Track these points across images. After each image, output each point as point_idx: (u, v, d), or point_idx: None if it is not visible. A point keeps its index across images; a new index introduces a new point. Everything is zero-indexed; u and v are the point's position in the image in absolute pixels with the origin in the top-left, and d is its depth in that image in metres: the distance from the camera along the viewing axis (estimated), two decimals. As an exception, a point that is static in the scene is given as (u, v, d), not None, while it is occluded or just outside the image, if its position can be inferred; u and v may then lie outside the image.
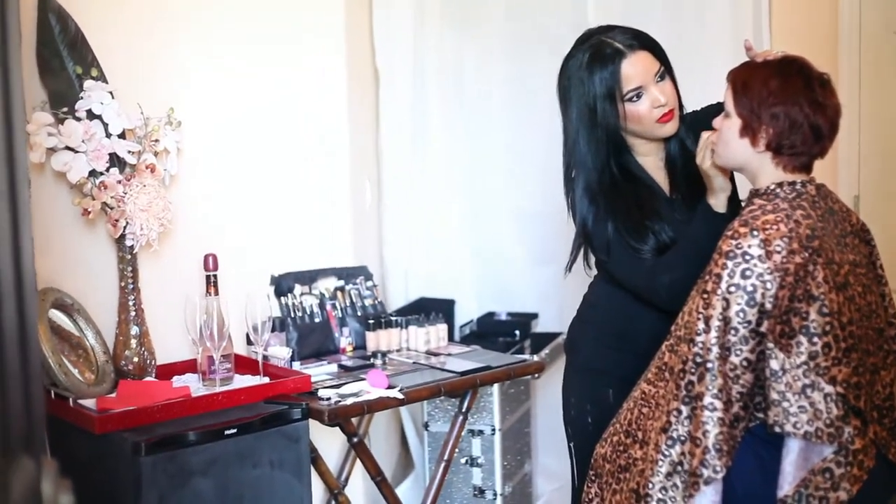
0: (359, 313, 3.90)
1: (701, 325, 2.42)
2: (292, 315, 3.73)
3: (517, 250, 4.80)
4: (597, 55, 2.82)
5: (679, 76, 2.91)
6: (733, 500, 2.45)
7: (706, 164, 2.72)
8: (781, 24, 4.19)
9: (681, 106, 2.92)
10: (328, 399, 3.24)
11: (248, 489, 3.02)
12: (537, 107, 4.58)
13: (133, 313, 3.21)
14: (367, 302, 3.95)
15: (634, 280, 2.86)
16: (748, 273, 2.38)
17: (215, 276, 3.27)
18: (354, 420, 3.49)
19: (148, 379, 3.23)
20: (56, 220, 3.18)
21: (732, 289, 2.39)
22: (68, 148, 3.06)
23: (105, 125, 3.11)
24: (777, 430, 2.36)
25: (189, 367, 3.38)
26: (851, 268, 2.50)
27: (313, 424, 3.19)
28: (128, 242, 3.15)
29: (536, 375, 3.96)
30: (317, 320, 3.79)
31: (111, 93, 3.14)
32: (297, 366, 3.58)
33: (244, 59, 3.70)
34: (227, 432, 2.97)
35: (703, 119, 2.81)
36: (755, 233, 2.41)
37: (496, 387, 4.08)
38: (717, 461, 2.38)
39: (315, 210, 3.95)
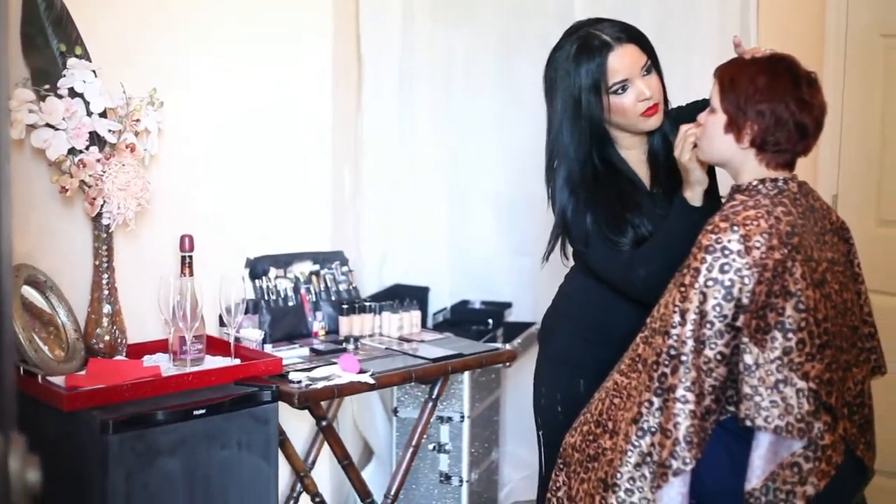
0: (333, 298, 3.90)
1: (677, 318, 2.43)
2: (266, 298, 3.73)
3: (493, 239, 4.81)
4: (584, 47, 2.82)
5: (665, 71, 2.91)
6: (701, 492, 2.47)
7: (684, 158, 2.72)
8: (768, 21, 4.20)
9: (666, 101, 2.93)
10: (299, 382, 3.24)
11: (215, 470, 3.02)
12: (521, 98, 4.58)
13: (106, 292, 3.20)
14: (342, 287, 3.94)
15: (611, 272, 2.87)
16: (727, 268, 2.39)
17: (191, 256, 3.26)
18: (324, 404, 3.49)
19: (118, 358, 3.22)
20: (33, 197, 3.16)
21: (710, 283, 2.39)
22: (48, 125, 3.04)
23: (86, 103, 3.09)
24: (748, 423, 2.37)
25: (160, 346, 3.37)
26: (829, 265, 2.52)
27: (282, 407, 3.19)
28: (104, 221, 3.14)
29: (508, 364, 3.97)
30: (290, 304, 3.78)
31: (94, 71, 3.12)
32: (269, 348, 3.58)
33: (228, 44, 3.68)
34: (195, 413, 2.97)
35: (688, 115, 2.81)
36: (735, 228, 2.41)
37: (467, 374, 4.09)
38: (687, 453, 2.39)
39: (294, 195, 3.94)
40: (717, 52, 3.87)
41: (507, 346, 4.08)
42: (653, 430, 2.47)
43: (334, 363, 3.39)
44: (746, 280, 2.38)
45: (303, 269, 3.88)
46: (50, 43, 3.10)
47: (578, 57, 2.83)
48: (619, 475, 2.51)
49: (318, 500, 3.69)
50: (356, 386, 3.31)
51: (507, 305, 4.70)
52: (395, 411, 4.26)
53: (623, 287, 2.86)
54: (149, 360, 3.26)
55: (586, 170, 2.87)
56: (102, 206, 3.10)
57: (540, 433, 3.08)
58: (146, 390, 2.99)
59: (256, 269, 3.75)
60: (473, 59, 4.75)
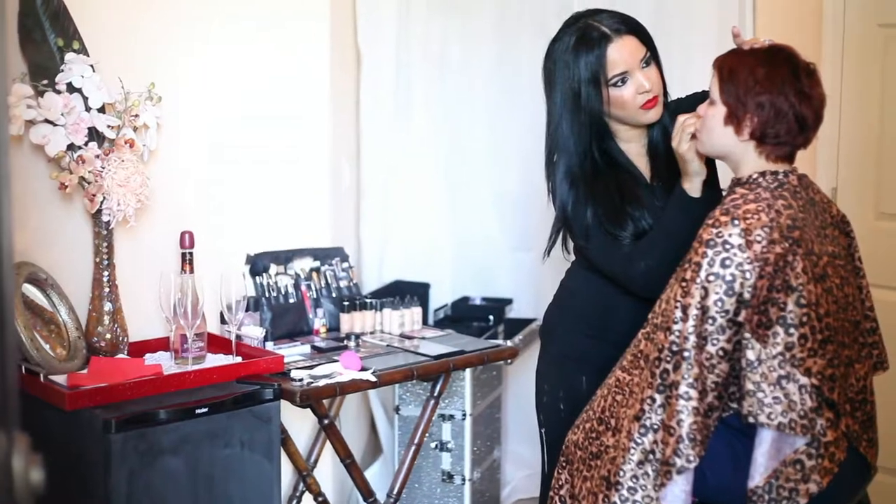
0: (333, 294, 3.89)
1: (678, 314, 2.42)
2: (267, 295, 3.72)
3: (494, 235, 4.80)
4: (583, 39, 2.81)
5: (662, 62, 2.90)
6: (704, 489, 2.47)
7: (682, 148, 2.70)
8: (766, 11, 4.19)
9: (665, 93, 2.92)
10: (300, 380, 3.24)
11: (218, 469, 3.01)
12: (520, 91, 4.58)
13: (107, 289, 3.20)
14: (343, 283, 3.94)
15: (611, 266, 2.86)
16: (728, 262, 2.38)
17: (191, 253, 3.26)
18: (326, 402, 3.48)
19: (120, 356, 3.22)
20: (32, 194, 3.15)
21: (711, 278, 2.39)
22: (47, 121, 3.04)
23: (85, 99, 3.08)
24: (751, 420, 2.37)
25: (162, 344, 3.37)
26: (830, 259, 2.51)
27: (283, 405, 3.19)
28: (104, 218, 3.13)
29: (509, 361, 3.97)
30: (291, 301, 3.78)
31: (92, 66, 3.11)
32: (270, 346, 3.57)
33: (226, 37, 3.67)
34: (198, 411, 2.97)
35: (688, 107, 2.79)
36: (736, 222, 2.41)
37: (468, 372, 4.09)
38: (691, 451, 2.38)
39: (293, 190, 3.93)
40: (716, 43, 3.88)
41: (509, 343, 4.07)
42: (655, 427, 2.46)
43: (336, 361, 3.38)
44: (748, 274, 2.37)
45: (303, 265, 3.87)
46: (47, 37, 3.10)
47: (577, 49, 2.81)
48: (621, 473, 2.51)
49: (320, 499, 3.69)
50: (358, 384, 3.31)
51: (508, 301, 4.69)
52: (397, 409, 4.25)
53: (624, 281, 2.85)
54: (150, 359, 3.26)
55: (586, 163, 2.86)
56: (102, 202, 3.09)
57: (542, 431, 3.08)
58: (148, 389, 2.98)
59: (257, 265, 3.74)
60: (470, 50, 4.74)
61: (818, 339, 2.38)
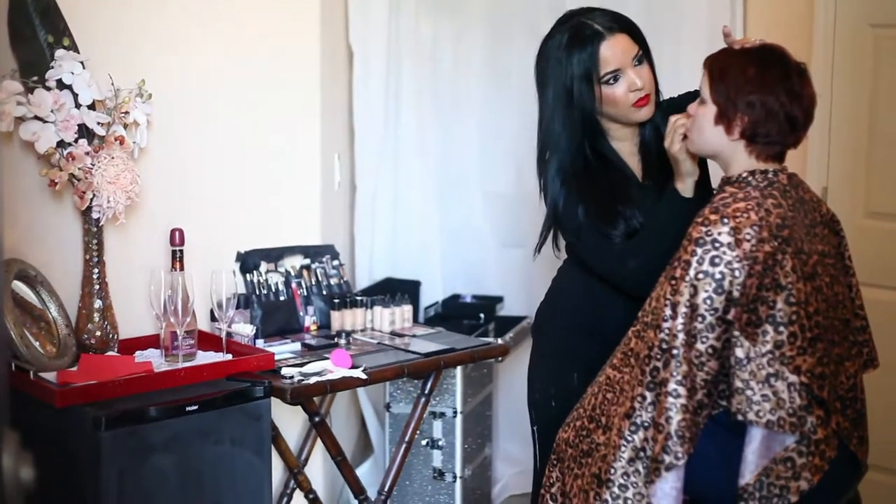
0: (324, 292, 3.88)
1: (668, 312, 2.42)
2: (257, 292, 3.71)
3: (485, 233, 4.80)
4: (576, 36, 2.82)
5: (654, 61, 2.90)
6: (694, 487, 2.47)
7: (674, 148, 2.71)
8: (756, 11, 4.20)
9: (657, 92, 2.92)
10: (291, 377, 3.24)
11: (208, 466, 3.01)
12: (511, 89, 4.59)
13: (97, 287, 3.19)
14: (333, 281, 3.93)
15: (602, 264, 2.87)
16: (717, 260, 2.38)
17: (181, 251, 3.25)
18: (317, 400, 3.48)
19: (110, 353, 3.21)
20: (22, 191, 3.15)
21: (701, 276, 2.39)
22: (37, 118, 3.03)
23: (75, 95, 3.08)
24: (740, 418, 2.37)
25: (152, 342, 3.36)
26: (820, 258, 2.52)
27: (274, 403, 3.18)
28: (94, 215, 3.13)
29: (500, 359, 3.96)
30: (282, 298, 3.77)
31: (82, 63, 3.11)
32: (260, 343, 3.56)
33: (217, 34, 3.66)
34: (188, 409, 2.96)
35: (680, 106, 2.80)
36: (725, 220, 2.41)
37: (459, 369, 4.09)
38: (679, 448, 2.38)
39: (284, 188, 3.92)
40: (706, 43, 3.87)
41: (500, 341, 4.07)
42: (646, 424, 2.47)
43: (326, 358, 3.38)
44: (737, 273, 2.38)
45: (294, 263, 3.87)
46: (37, 34, 3.09)
47: (570, 46, 2.82)
48: (612, 470, 2.51)
49: (311, 496, 3.68)
50: (348, 381, 3.30)
51: (499, 299, 4.69)
52: (388, 407, 4.25)
53: (614, 279, 2.85)
54: (140, 356, 3.25)
55: (578, 161, 2.86)
56: (92, 199, 3.09)
57: (534, 428, 3.08)
58: (138, 386, 2.98)
59: (247, 263, 3.73)
60: (462, 48, 4.74)
61: (808, 338, 2.38)
